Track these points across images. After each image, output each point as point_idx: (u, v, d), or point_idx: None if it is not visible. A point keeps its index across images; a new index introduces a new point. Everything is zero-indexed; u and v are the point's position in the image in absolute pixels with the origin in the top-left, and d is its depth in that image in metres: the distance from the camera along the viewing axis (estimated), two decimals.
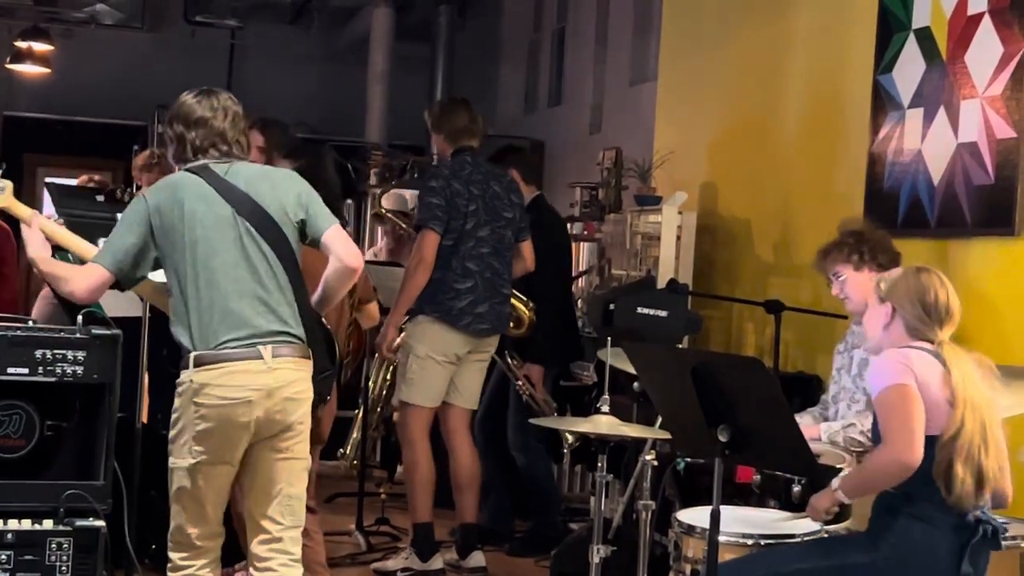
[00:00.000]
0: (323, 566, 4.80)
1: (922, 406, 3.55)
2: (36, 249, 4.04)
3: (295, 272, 3.94)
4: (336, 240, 3.95)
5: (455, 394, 6.10)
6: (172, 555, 3.96)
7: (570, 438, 6.29)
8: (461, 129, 6.13)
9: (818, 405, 4.98)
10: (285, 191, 3.98)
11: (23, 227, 4.14)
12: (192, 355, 3.85)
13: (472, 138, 6.13)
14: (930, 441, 3.56)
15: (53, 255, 4.08)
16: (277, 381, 3.85)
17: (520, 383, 6.55)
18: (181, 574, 3.95)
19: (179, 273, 3.91)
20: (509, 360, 6.56)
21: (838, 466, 4.13)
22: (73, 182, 8.11)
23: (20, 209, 4.18)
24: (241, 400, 3.82)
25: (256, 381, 3.82)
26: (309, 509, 4.20)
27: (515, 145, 7.73)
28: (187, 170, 4.00)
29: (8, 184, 4.21)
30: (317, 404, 4.06)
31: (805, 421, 4.80)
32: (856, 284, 4.70)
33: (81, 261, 4.09)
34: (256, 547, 3.94)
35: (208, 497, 3.91)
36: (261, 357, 3.83)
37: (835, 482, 3.73)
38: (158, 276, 4.00)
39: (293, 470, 3.94)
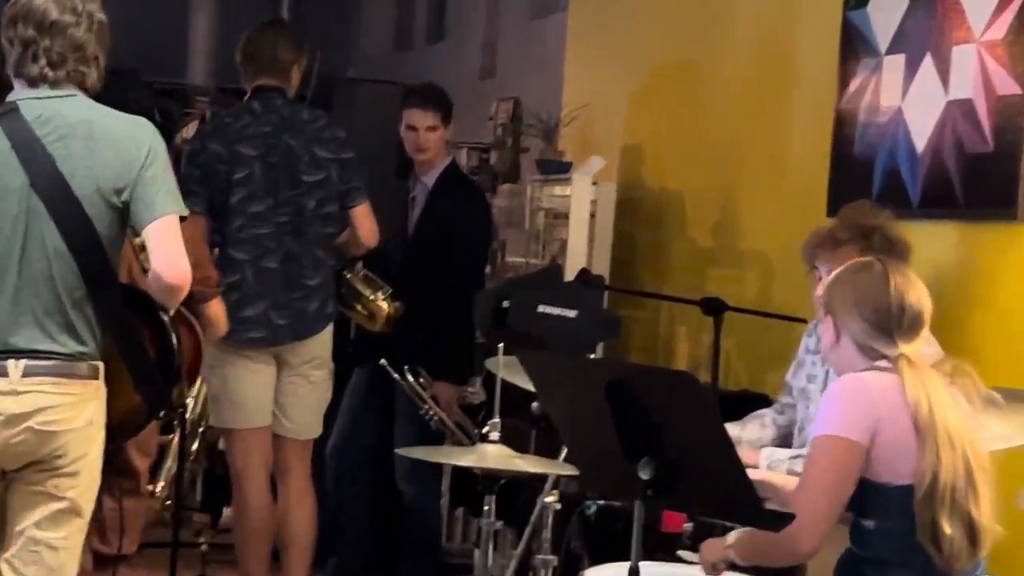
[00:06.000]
0: None
1: (855, 475, 3.57)
2: None
3: (99, 268, 3.86)
4: (155, 240, 3.86)
5: (278, 422, 6.08)
6: None
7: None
8: (251, 61, 6.07)
9: (773, 406, 5.02)
10: (110, 156, 3.86)
11: None
12: None
13: (270, 75, 6.04)
14: (903, 493, 3.57)
15: None
16: (21, 407, 3.82)
17: (428, 407, 6.53)
18: None
19: None
20: (414, 379, 6.54)
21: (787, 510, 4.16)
22: None
23: None
24: None
25: None
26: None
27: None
28: None
29: None
30: (139, 428, 4.09)
31: (750, 432, 4.86)
32: None
33: None
34: None
35: None
36: (7, 375, 3.81)
37: (731, 536, 3.78)
38: None
39: (44, 510, 3.90)
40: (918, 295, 3.71)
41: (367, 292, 6.32)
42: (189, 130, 8.87)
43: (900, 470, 3.58)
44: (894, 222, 4.86)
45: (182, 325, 5.25)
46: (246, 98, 6.08)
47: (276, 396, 6.06)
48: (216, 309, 5.56)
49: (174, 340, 4.16)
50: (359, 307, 6.31)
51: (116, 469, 5.03)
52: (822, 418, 3.64)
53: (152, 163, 3.89)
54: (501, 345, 4.73)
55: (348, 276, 6.23)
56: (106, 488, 5.14)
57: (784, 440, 4.94)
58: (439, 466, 6.67)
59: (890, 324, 3.67)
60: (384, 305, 6.37)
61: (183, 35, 12.10)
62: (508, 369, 4.67)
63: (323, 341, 6.07)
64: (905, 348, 3.67)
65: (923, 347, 3.74)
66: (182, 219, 3.96)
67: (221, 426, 6.19)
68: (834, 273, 3.86)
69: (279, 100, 6.04)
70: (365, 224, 6.14)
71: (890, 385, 3.62)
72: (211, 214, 5.87)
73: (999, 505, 3.73)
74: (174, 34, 12.28)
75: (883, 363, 3.67)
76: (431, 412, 6.53)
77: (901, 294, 3.69)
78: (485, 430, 4.32)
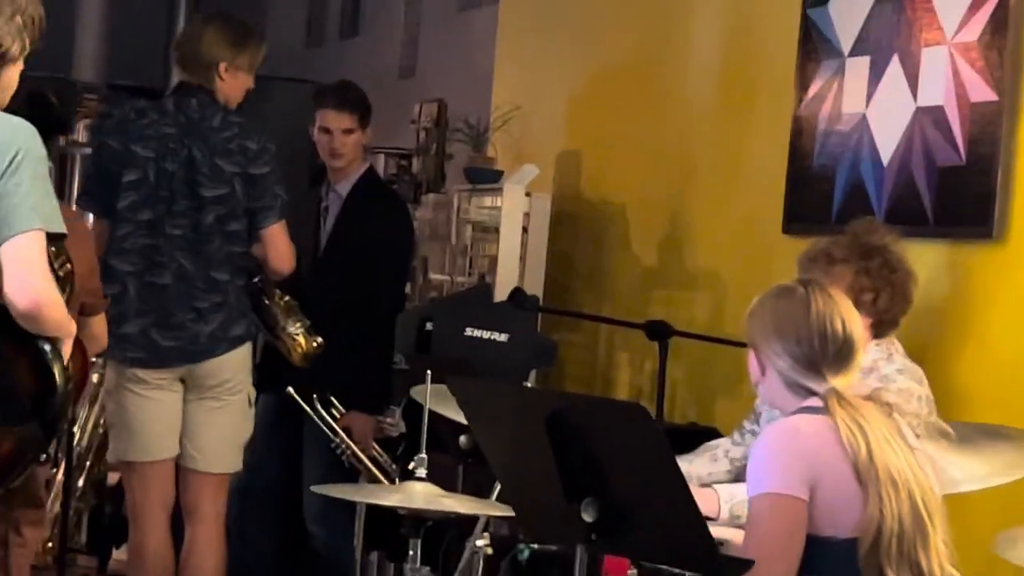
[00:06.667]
0: None
1: (804, 531, 3.57)
2: None
3: None
4: (6, 261, 3.82)
5: (185, 453, 6.03)
6: None
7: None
8: (175, 54, 6.12)
9: (732, 434, 5.03)
10: None
11: None
12: None
13: (191, 72, 6.03)
14: (849, 546, 3.57)
15: None
16: None
17: (340, 441, 6.49)
18: None
19: None
20: (325, 409, 6.49)
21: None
22: None
23: None
24: None
25: None
26: None
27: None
28: None
29: None
30: (27, 464, 4.06)
31: (699, 466, 4.85)
32: None
33: None
34: None
35: None
36: None
37: None
38: None
39: None
40: (844, 321, 3.70)
41: (283, 322, 6.27)
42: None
43: (844, 522, 3.58)
44: (901, 245, 4.81)
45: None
46: (167, 94, 6.06)
47: (184, 424, 6.01)
48: (101, 324, 5.50)
49: (58, 375, 4.08)
50: (278, 336, 6.26)
51: (24, 499, 4.98)
52: (757, 476, 3.63)
53: (16, 170, 3.84)
54: (427, 372, 4.72)
55: (267, 303, 6.17)
56: (11, 524, 5.11)
57: (739, 475, 4.93)
58: (353, 506, 6.63)
59: (814, 356, 3.67)
60: (301, 340, 6.33)
61: (70, 26, 12.01)
62: (434, 398, 4.65)
63: (235, 364, 6.01)
64: (836, 382, 3.66)
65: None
66: (58, 236, 3.92)
67: (118, 458, 6.10)
68: (753, 301, 3.84)
69: (195, 101, 6.00)
70: (275, 248, 6.06)
71: (823, 429, 3.60)
72: (108, 218, 5.85)
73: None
74: (60, 25, 12.18)
75: (814, 401, 3.67)
76: (343, 446, 6.49)
77: (824, 322, 3.67)
78: (411, 466, 4.29)
